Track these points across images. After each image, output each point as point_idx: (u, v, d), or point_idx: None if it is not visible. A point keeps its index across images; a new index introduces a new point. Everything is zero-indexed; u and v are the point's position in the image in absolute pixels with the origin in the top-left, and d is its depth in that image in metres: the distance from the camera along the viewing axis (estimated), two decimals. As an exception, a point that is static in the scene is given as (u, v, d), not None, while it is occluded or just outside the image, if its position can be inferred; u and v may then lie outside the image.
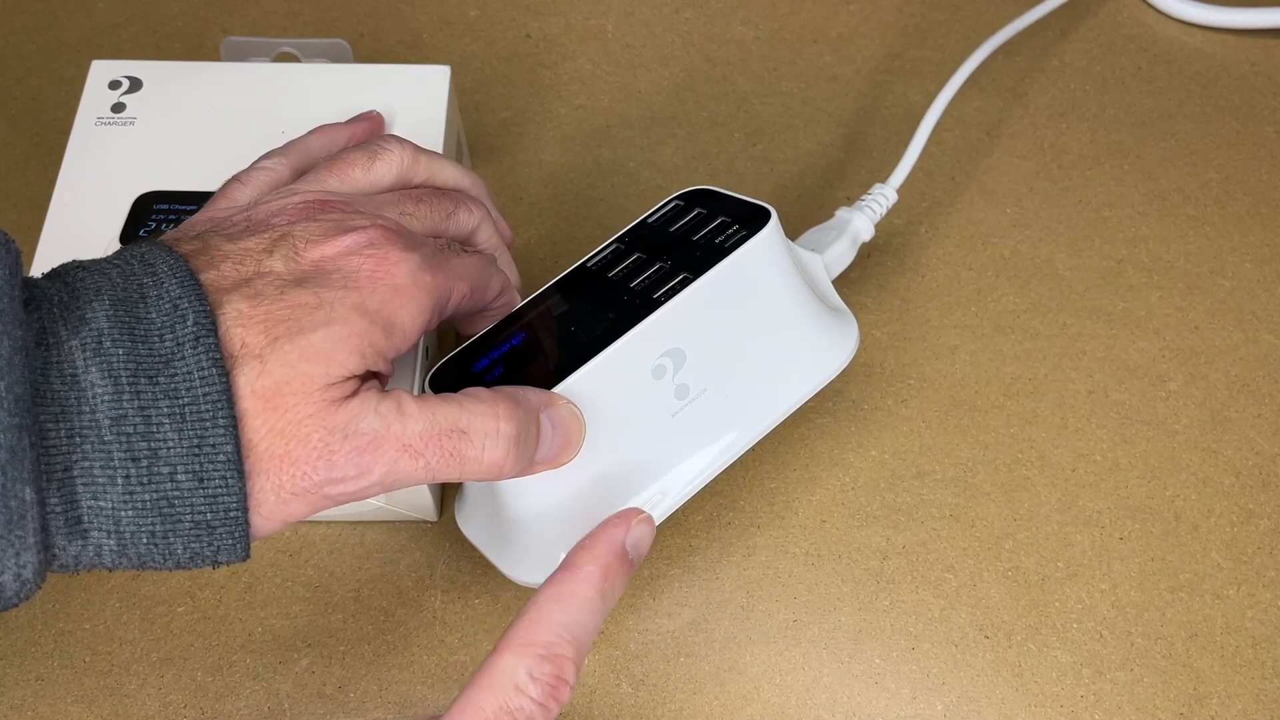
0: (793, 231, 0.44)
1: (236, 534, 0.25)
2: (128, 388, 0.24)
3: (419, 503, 0.36)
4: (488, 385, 0.32)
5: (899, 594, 0.38)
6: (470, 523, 0.36)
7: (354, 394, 0.27)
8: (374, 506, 0.36)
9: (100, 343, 0.24)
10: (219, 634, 0.37)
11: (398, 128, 0.38)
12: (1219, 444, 0.40)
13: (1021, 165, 0.46)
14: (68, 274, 0.26)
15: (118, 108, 0.38)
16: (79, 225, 0.36)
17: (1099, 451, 0.40)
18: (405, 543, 0.38)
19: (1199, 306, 0.43)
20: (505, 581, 0.37)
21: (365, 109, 0.39)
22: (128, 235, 0.36)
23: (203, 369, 0.25)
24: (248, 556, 0.26)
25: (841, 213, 0.40)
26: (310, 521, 0.38)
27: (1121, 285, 0.43)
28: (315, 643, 0.36)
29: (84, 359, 0.24)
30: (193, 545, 0.25)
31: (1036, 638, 0.37)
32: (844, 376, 0.41)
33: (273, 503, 0.26)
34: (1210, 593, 0.38)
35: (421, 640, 0.37)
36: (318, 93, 0.39)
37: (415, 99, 0.39)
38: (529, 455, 0.30)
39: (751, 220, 0.34)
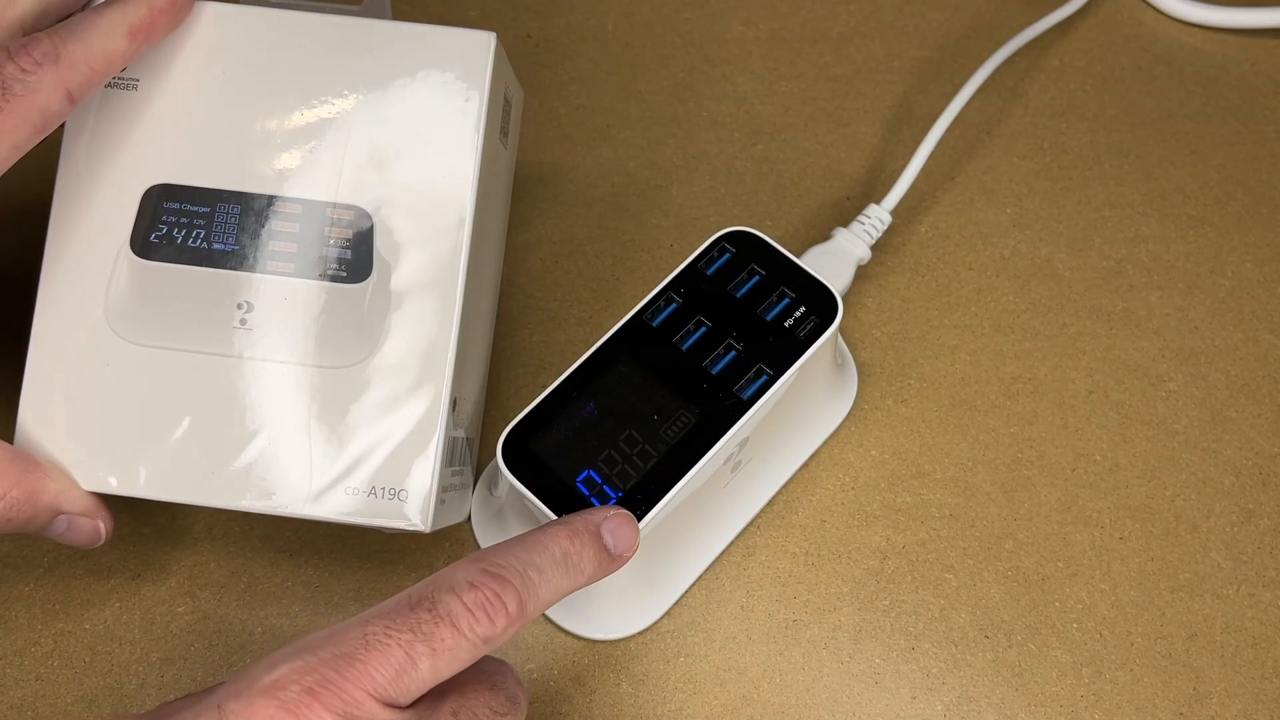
0: (795, 240, 0.44)
1: None
2: None
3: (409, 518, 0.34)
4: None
5: (899, 594, 0.38)
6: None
7: None
8: (365, 522, 0.34)
9: None
10: (219, 634, 0.37)
11: (428, 100, 0.34)
12: (1219, 444, 0.40)
13: (1021, 165, 0.46)
14: None
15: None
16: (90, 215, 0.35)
17: (1099, 451, 0.40)
18: (405, 543, 0.38)
19: (1199, 306, 0.43)
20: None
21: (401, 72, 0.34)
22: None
23: None
24: None
25: (841, 238, 0.40)
26: (310, 521, 0.38)
27: (1121, 285, 0.43)
28: (315, 643, 0.36)
29: None
30: None
31: (1036, 637, 0.37)
32: (844, 376, 0.41)
33: None
34: (1210, 593, 0.38)
35: (421, 640, 0.37)
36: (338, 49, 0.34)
37: (452, 67, 0.34)
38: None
39: (818, 304, 0.35)
